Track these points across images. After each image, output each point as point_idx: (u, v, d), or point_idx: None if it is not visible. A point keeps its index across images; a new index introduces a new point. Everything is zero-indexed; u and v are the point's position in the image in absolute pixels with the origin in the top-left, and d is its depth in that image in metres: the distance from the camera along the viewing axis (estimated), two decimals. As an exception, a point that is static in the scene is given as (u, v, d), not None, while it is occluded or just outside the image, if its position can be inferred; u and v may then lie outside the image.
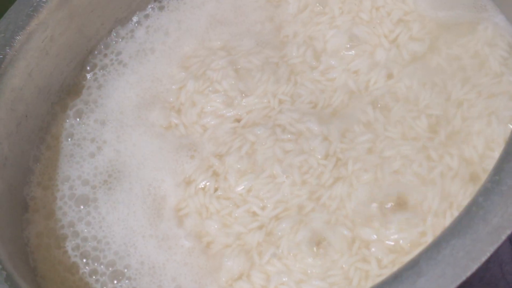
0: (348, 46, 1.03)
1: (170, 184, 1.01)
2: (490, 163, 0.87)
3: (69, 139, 1.10)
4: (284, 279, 0.88)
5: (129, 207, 1.01)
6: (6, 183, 1.01)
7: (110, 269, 0.97)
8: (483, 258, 0.69)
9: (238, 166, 0.97)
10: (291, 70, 1.05)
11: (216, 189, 0.98)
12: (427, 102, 0.94)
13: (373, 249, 0.86)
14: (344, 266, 0.87)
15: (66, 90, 1.14)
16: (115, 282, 0.95)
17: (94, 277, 0.97)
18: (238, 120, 1.03)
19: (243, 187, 0.96)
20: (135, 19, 1.19)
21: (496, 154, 0.87)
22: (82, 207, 1.03)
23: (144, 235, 0.98)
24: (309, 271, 0.87)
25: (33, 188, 1.06)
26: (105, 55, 1.17)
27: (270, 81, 1.04)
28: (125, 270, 0.96)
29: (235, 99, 1.04)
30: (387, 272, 0.82)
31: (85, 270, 0.97)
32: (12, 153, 1.03)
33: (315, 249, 0.88)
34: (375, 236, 0.87)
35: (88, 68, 1.16)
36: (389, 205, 0.88)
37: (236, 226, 0.94)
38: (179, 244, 0.96)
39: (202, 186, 0.99)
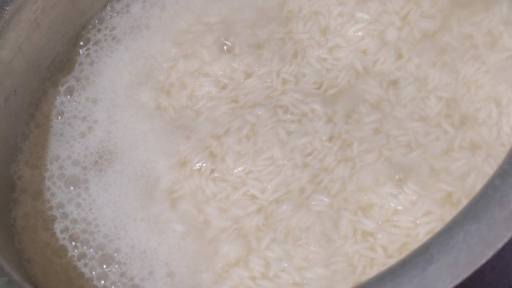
0: (356, 23, 0.98)
1: (164, 165, 0.97)
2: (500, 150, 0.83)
3: (59, 117, 1.05)
4: (284, 265, 0.82)
5: (120, 189, 0.96)
6: (-8, 159, 0.96)
7: (100, 252, 0.92)
8: (499, 245, 0.64)
9: (237, 147, 0.93)
10: (296, 47, 1.00)
11: (212, 171, 0.93)
12: (436, 82, 0.89)
13: (379, 236, 0.81)
14: (348, 252, 0.82)
15: (58, 66, 1.10)
16: (104, 266, 0.91)
17: (82, 260, 0.92)
18: (236, 101, 0.98)
19: (241, 169, 0.91)
20: (131, -8, 1.14)
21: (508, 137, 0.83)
22: (72, 188, 0.98)
23: (135, 218, 0.93)
24: (311, 257, 0.82)
25: (20, 167, 1.02)
26: (99, 30, 1.12)
27: (274, 59, 0.99)
28: (115, 254, 0.91)
29: (232, 80, 0.99)
30: (393, 261, 0.76)
31: (74, 253, 0.93)
32: (-1, 128, 0.98)
33: (317, 234, 0.84)
34: (380, 221, 0.82)
35: (81, 43, 1.11)
36: (396, 185, 0.83)
37: (234, 210, 0.89)
38: (171, 228, 0.91)
39: (198, 167, 0.94)
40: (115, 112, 1.04)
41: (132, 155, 0.99)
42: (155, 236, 0.91)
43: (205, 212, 0.91)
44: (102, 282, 0.89)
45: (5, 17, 1.00)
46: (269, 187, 0.88)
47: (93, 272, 0.90)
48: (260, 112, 0.95)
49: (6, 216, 0.97)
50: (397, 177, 0.84)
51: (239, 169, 0.91)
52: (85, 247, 0.93)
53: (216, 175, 0.92)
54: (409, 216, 0.81)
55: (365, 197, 0.84)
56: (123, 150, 1.00)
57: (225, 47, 1.04)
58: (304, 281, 0.81)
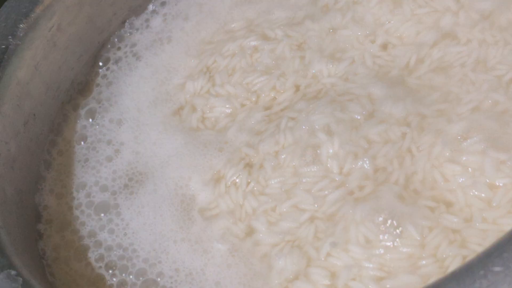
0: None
1: (197, 181, 0.89)
2: None
3: (82, 142, 0.98)
4: (355, 273, 0.74)
5: (155, 210, 0.89)
6: (15, 187, 0.89)
7: (141, 279, 0.84)
8: None
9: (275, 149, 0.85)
10: (337, 44, 0.93)
11: (248, 183, 0.85)
12: (498, 59, 0.82)
13: (467, 231, 0.72)
14: (435, 251, 0.72)
15: (77, 88, 1.04)
16: (148, 292, 0.82)
17: (123, 289, 0.84)
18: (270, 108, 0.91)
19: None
20: (150, 7, 1.08)
21: None
22: (102, 215, 0.91)
23: (176, 239, 0.86)
24: (388, 259, 0.73)
25: (45, 197, 0.95)
26: (119, 48, 1.06)
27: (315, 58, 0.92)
28: (158, 279, 0.83)
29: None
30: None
31: (113, 282, 0.85)
32: (20, 155, 0.92)
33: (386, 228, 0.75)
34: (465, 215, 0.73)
35: (100, 63, 1.05)
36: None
37: (283, 223, 0.81)
38: (216, 247, 0.83)
39: (233, 181, 0.86)
40: (141, 132, 0.97)
41: (164, 174, 0.92)
42: (200, 256, 0.84)
43: (250, 228, 0.83)
44: (149, 309, 0.81)
45: (19, 35, 0.93)
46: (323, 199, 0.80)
47: (137, 300, 0.82)
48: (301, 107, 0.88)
49: (34, 248, 0.89)
50: None
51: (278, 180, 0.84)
52: (124, 274, 0.85)
53: (254, 188, 0.84)
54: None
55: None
56: (154, 170, 0.93)
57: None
58: None
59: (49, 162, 0.97)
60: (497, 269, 0.58)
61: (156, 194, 0.91)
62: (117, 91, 1.02)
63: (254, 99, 0.93)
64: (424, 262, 0.72)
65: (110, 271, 0.86)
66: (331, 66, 0.92)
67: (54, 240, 0.90)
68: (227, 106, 0.94)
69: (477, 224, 0.73)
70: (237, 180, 0.86)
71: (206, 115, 0.95)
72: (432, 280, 0.70)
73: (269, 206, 0.83)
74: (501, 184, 0.74)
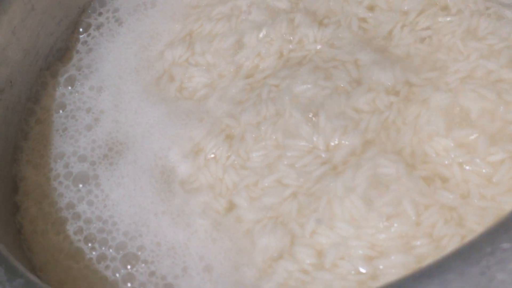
0: None
1: (178, 154, 0.86)
2: None
3: (61, 111, 0.94)
4: (342, 252, 0.71)
5: (135, 182, 0.86)
6: (-10, 159, 0.85)
7: (121, 252, 0.81)
8: None
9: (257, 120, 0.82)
10: (328, 6, 0.91)
11: (228, 157, 0.82)
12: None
13: (461, 209, 0.70)
14: (429, 228, 0.70)
15: (57, 55, 1.00)
16: (129, 267, 0.80)
17: (103, 263, 0.81)
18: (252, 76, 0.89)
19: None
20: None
21: None
22: (81, 185, 0.88)
23: (156, 212, 0.83)
24: (379, 240, 0.70)
25: (22, 167, 0.91)
26: (100, 13, 1.02)
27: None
28: (139, 253, 0.80)
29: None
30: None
31: (92, 256, 0.82)
32: (-5, 124, 0.88)
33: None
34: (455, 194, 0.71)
35: (80, 29, 1.00)
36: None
37: (265, 198, 0.78)
38: (198, 222, 0.80)
39: (213, 155, 0.83)
40: (122, 100, 0.94)
41: (144, 144, 0.89)
42: (182, 230, 0.81)
43: (231, 203, 0.80)
44: (129, 284, 0.78)
45: (-5, -2, 0.89)
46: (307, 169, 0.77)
47: (117, 274, 0.79)
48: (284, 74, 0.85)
49: (11, 221, 0.85)
50: None
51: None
52: (103, 248, 0.82)
53: (235, 162, 0.82)
54: None
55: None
56: (134, 139, 0.90)
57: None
58: (378, 272, 0.70)
59: (26, 131, 0.94)
60: (505, 245, 0.55)
61: (136, 165, 0.88)
62: (98, 58, 0.98)
63: (234, 68, 0.90)
64: (419, 242, 0.69)
65: (90, 245, 0.83)
66: (317, 31, 0.89)
67: (31, 213, 0.87)
68: (207, 76, 0.91)
69: (475, 201, 0.70)
70: (217, 153, 0.83)
71: (185, 85, 0.92)
72: (428, 261, 0.67)
73: (251, 180, 0.80)
74: (496, 160, 0.71)
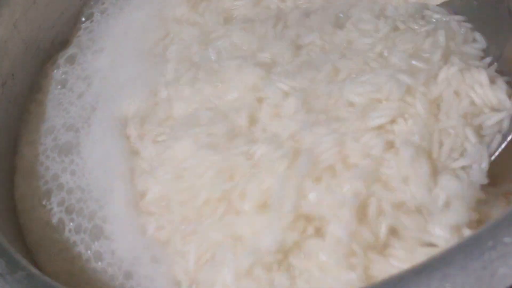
0: None
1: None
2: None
3: (59, 86, 0.96)
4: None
5: (104, 143, 0.88)
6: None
7: (92, 222, 0.83)
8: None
9: None
10: None
11: None
12: None
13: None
14: None
15: (59, 47, 1.00)
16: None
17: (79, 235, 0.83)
18: None
19: None
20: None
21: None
22: (64, 156, 0.90)
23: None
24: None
25: (21, 148, 0.93)
26: (103, 3, 1.01)
27: None
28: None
29: None
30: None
31: (71, 227, 0.84)
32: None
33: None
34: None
35: (83, 19, 1.00)
36: None
37: None
38: None
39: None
40: (118, 61, 0.95)
41: (116, 101, 0.91)
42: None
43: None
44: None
45: (-5, -10, 0.90)
46: None
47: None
48: None
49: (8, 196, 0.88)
50: None
51: None
52: (80, 218, 0.84)
53: None
54: None
55: None
56: (108, 97, 0.91)
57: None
58: None
59: (28, 120, 0.94)
60: (507, 240, 0.55)
61: (102, 125, 0.89)
62: (101, 34, 0.98)
63: None
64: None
65: (69, 216, 0.84)
66: None
67: (21, 190, 0.89)
68: None
69: None
70: None
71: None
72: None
73: None
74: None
